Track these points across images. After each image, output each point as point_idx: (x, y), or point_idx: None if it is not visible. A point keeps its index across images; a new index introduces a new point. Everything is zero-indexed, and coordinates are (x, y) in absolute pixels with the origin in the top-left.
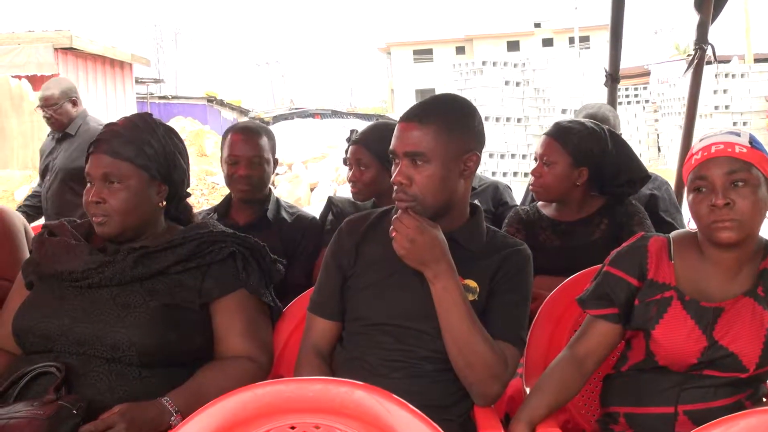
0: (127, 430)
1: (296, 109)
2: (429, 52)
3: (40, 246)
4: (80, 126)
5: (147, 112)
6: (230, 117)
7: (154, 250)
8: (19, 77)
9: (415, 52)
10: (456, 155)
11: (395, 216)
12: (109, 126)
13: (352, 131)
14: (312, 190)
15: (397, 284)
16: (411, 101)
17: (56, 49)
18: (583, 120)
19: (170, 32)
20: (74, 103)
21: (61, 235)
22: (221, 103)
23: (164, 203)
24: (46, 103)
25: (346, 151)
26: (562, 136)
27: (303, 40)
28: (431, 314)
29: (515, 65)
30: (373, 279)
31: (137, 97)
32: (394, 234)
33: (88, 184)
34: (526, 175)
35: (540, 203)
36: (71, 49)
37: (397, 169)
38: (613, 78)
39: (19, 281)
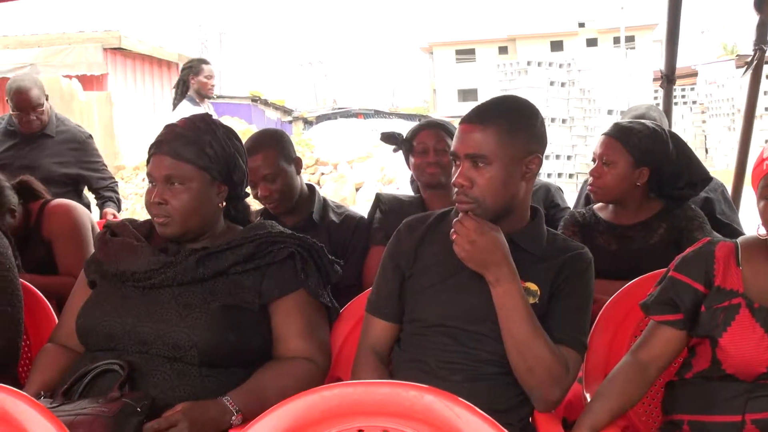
0: (190, 429)
1: (339, 109)
2: (471, 52)
3: (103, 246)
4: (57, 127)
5: (207, 113)
6: (274, 117)
7: (214, 251)
8: (70, 77)
9: (458, 52)
10: (518, 157)
11: (456, 219)
12: (170, 127)
13: (397, 136)
14: (357, 189)
15: (457, 286)
16: (453, 101)
17: (105, 49)
18: (643, 120)
19: (215, 32)
20: (47, 98)
21: (123, 235)
22: (265, 103)
23: (224, 204)
24: (29, 106)
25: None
26: (622, 135)
27: (345, 40)
28: (491, 317)
29: (560, 65)
30: (432, 281)
31: None
32: (454, 237)
33: (150, 185)
34: (570, 176)
35: (596, 206)
36: (120, 49)
37: (458, 171)
38: (668, 79)
39: (82, 280)
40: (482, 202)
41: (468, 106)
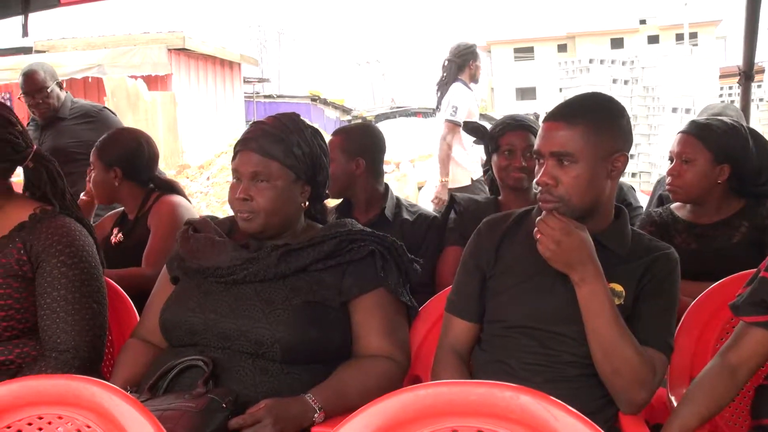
0: (274, 425)
1: (398, 107)
2: (530, 50)
3: (185, 242)
4: (70, 107)
5: (295, 113)
6: (333, 116)
7: (295, 248)
8: (135, 77)
9: (516, 50)
10: (604, 155)
11: (540, 218)
12: (259, 124)
13: (482, 129)
14: (420, 188)
15: (540, 287)
16: (511, 100)
17: (170, 50)
18: (720, 117)
19: (273, 32)
20: (60, 86)
21: (205, 231)
22: (325, 102)
23: (307, 204)
24: (35, 88)
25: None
26: (701, 132)
27: (403, 39)
28: (576, 318)
29: (623, 63)
30: (515, 281)
31: (244, 96)
32: (539, 236)
33: (234, 180)
34: (633, 175)
35: (674, 205)
36: (184, 49)
37: (542, 169)
38: (747, 75)
39: (165, 275)
40: (568, 201)
41: (526, 105)
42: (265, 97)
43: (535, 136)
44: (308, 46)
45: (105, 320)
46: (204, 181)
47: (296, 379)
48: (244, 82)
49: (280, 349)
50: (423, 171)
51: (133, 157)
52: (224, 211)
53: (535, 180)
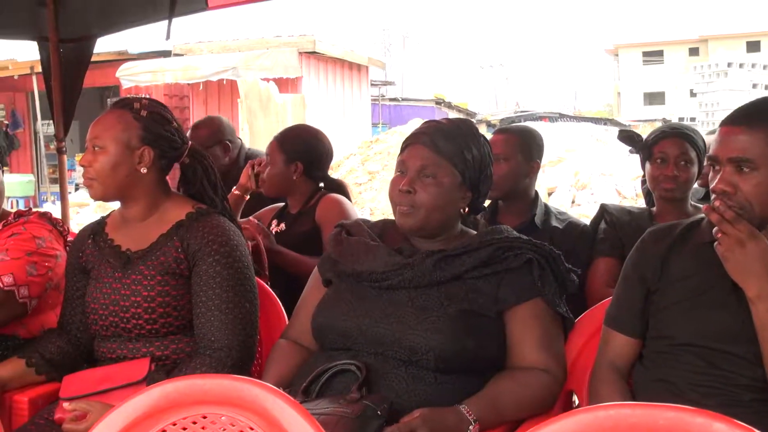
0: None
1: (522, 112)
2: (659, 53)
3: (338, 245)
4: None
5: (468, 119)
6: None
7: (451, 254)
8: (267, 79)
9: (645, 54)
10: None
11: (723, 218)
12: (434, 122)
13: (636, 137)
14: (550, 194)
15: (710, 302)
16: (638, 105)
17: (300, 53)
18: None
19: (398, 36)
20: (226, 147)
21: (358, 235)
22: (449, 106)
23: (467, 210)
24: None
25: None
26: None
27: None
28: (751, 337)
29: (764, 67)
30: (682, 295)
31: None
32: (719, 236)
33: (398, 173)
34: None
35: None
36: (314, 53)
37: (718, 176)
38: None
39: (316, 277)
40: (748, 209)
41: (654, 110)
42: (390, 99)
43: (695, 147)
44: (432, 49)
45: (257, 320)
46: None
47: (449, 389)
48: (370, 85)
49: (434, 357)
50: (552, 176)
51: (314, 154)
52: None
53: (710, 187)
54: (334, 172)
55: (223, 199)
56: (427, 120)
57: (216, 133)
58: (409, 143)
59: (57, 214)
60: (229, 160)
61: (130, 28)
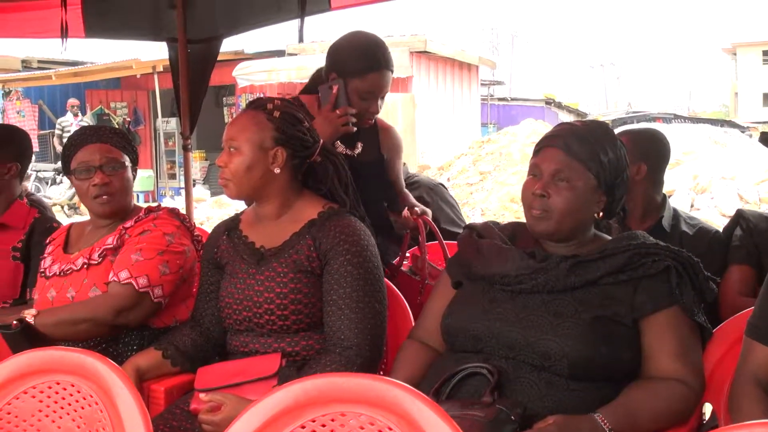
0: None
1: (635, 112)
2: None
3: (470, 247)
4: None
5: (603, 121)
6: (567, 119)
7: (585, 260)
8: None
9: (765, 53)
10: None
11: None
12: (568, 124)
13: None
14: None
15: None
16: (757, 106)
17: (411, 53)
18: None
19: (507, 35)
20: None
21: (489, 237)
22: (559, 106)
23: (600, 215)
24: None
25: None
26: None
27: (638, 40)
28: None
29: None
30: None
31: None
32: None
33: (531, 177)
34: None
35: None
36: (425, 52)
37: None
38: None
39: (446, 279)
40: None
41: None
42: (499, 99)
43: None
44: (541, 48)
45: (385, 320)
46: (444, 182)
47: (582, 396)
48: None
49: (568, 363)
50: (670, 180)
51: None
52: (463, 214)
53: None
54: (444, 172)
55: (356, 199)
56: (563, 122)
57: None
58: (542, 146)
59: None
60: None
61: (255, 29)
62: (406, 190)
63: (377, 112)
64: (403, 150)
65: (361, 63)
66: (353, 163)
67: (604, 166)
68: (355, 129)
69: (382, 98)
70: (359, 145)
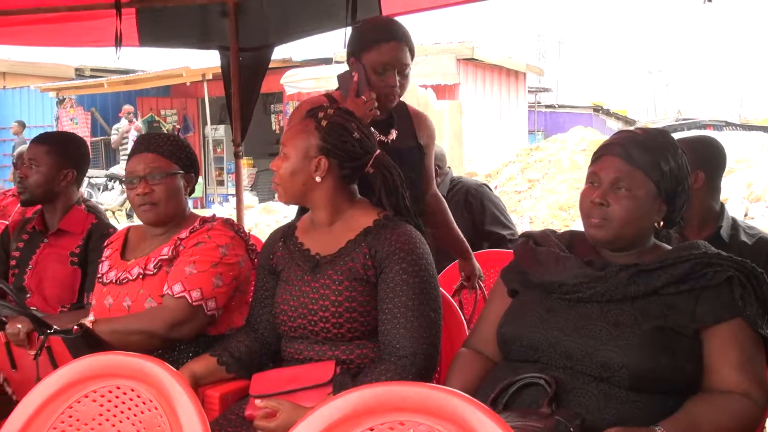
0: None
1: (685, 120)
2: None
3: (527, 254)
4: None
5: (664, 129)
6: (615, 127)
7: (645, 269)
8: (425, 86)
9: None
10: None
11: None
12: (627, 132)
13: None
14: None
15: None
16: None
17: (458, 60)
18: None
19: (554, 42)
20: None
21: (546, 245)
22: (607, 113)
23: (661, 224)
24: None
25: None
26: None
27: (688, 48)
28: None
29: None
30: None
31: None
32: None
33: (589, 184)
34: None
35: None
36: (472, 59)
37: None
38: None
39: (501, 287)
40: None
41: None
42: (547, 106)
43: None
44: (588, 55)
45: (440, 330)
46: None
47: (642, 408)
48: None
49: (628, 374)
50: (723, 188)
51: None
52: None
53: None
54: (492, 179)
55: (408, 210)
56: (622, 129)
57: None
58: (601, 154)
59: (222, 214)
60: None
61: (305, 38)
62: (438, 191)
63: (395, 86)
64: (436, 137)
65: (372, 34)
66: (387, 150)
67: (665, 174)
68: (379, 113)
69: (402, 75)
70: (393, 132)
